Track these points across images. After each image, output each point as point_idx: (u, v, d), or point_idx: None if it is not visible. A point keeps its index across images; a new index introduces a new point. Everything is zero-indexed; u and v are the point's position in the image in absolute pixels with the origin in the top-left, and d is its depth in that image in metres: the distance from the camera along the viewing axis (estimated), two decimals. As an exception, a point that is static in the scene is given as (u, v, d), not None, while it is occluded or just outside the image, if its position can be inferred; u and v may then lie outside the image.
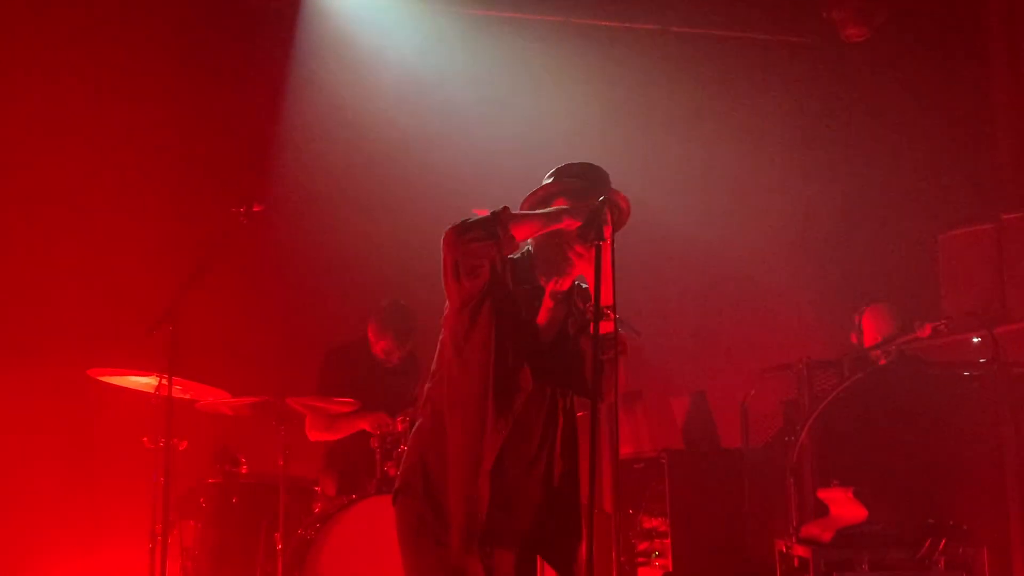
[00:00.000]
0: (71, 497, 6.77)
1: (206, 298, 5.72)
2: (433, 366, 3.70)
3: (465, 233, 3.43)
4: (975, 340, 6.16)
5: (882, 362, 6.07)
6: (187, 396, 5.61)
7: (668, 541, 6.24)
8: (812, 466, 5.66)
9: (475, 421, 3.53)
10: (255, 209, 5.39)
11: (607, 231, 3.32)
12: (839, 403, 5.58)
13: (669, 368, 7.86)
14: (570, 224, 3.46)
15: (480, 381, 3.54)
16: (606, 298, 3.38)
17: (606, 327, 3.39)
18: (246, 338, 7.05)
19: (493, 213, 3.45)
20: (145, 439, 5.53)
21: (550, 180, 3.70)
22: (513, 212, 3.48)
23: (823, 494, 5.56)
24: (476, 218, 3.47)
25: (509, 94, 7.88)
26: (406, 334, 6.20)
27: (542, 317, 3.61)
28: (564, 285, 3.61)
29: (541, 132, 7.76)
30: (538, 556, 3.69)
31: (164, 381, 5.29)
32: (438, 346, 3.70)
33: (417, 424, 3.76)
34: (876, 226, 8.23)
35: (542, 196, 3.67)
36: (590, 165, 3.71)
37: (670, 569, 6.20)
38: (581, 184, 3.60)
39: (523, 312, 3.61)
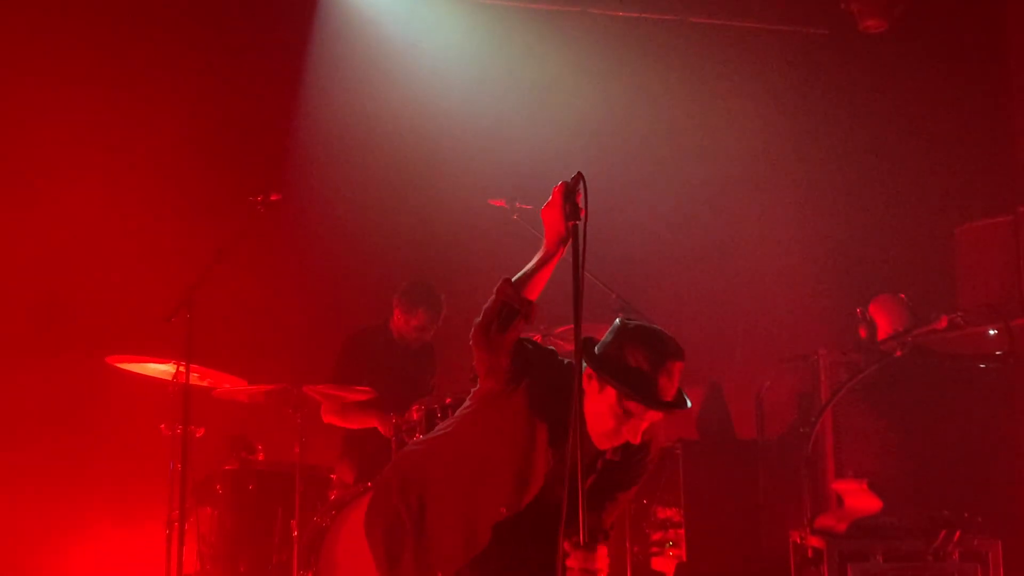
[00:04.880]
0: (88, 484, 6.80)
1: (223, 286, 5.77)
2: (466, 403, 3.58)
3: (489, 327, 3.28)
4: (991, 333, 6.13)
5: (898, 353, 6.05)
6: (204, 383, 5.64)
7: (682, 531, 6.24)
8: (827, 457, 5.66)
9: (457, 511, 3.44)
10: (272, 198, 5.43)
11: (579, 198, 3.20)
12: (854, 394, 5.58)
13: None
14: (550, 232, 3.28)
15: (472, 479, 3.44)
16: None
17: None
18: (263, 326, 7.08)
19: (497, 291, 3.28)
20: (162, 426, 5.58)
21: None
22: (511, 279, 3.31)
23: (837, 485, 5.56)
24: (486, 307, 3.30)
25: (527, 84, 7.88)
26: (437, 307, 6.07)
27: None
28: (615, 444, 3.44)
29: (558, 122, 7.77)
30: None
31: (181, 368, 5.33)
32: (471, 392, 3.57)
33: (418, 441, 3.70)
34: (892, 218, 8.19)
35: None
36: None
37: (684, 559, 6.20)
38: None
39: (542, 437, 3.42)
